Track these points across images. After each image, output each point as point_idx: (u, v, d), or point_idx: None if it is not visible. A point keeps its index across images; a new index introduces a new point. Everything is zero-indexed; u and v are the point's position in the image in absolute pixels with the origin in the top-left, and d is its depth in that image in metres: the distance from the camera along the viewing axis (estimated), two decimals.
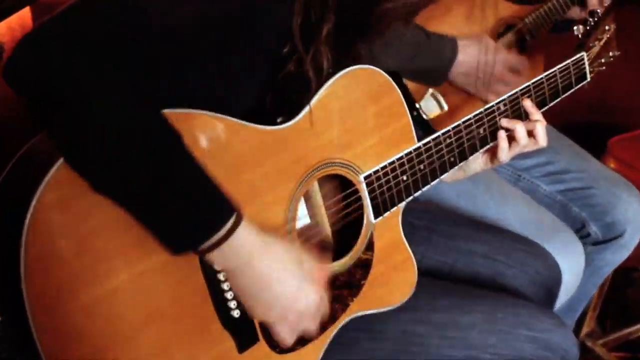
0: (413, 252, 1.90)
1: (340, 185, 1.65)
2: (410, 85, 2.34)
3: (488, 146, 1.82)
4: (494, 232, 2.12)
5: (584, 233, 2.62)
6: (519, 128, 1.81)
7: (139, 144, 1.27)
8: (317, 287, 1.45)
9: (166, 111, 1.37)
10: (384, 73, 1.63)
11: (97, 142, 1.26)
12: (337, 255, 1.66)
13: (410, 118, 1.69)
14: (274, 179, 1.46)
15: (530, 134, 1.85)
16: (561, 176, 2.60)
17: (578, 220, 2.61)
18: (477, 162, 1.87)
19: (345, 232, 1.69)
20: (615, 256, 2.67)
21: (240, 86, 1.50)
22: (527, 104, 1.85)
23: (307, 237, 1.64)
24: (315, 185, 1.62)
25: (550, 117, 2.05)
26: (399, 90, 1.66)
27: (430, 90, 2.33)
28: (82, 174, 1.30)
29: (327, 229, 1.64)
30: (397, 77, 2.32)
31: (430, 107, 2.31)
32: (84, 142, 1.27)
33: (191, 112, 1.40)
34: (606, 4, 2.49)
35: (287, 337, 1.46)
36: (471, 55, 2.26)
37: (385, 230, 1.68)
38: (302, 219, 1.64)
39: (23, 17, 2.41)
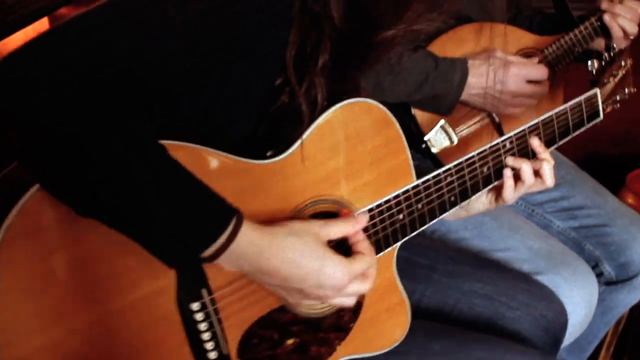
0: (412, 290, 1.82)
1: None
2: (420, 116, 2.27)
3: (492, 185, 1.74)
4: (498, 270, 2.04)
5: (597, 272, 2.55)
6: (525, 167, 1.74)
7: (125, 160, 1.22)
8: (341, 264, 1.40)
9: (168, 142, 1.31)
10: (382, 107, 1.55)
11: (84, 166, 1.21)
12: None
13: (409, 154, 1.62)
14: (259, 217, 1.39)
15: (537, 173, 1.77)
16: (576, 212, 2.52)
17: (591, 259, 2.53)
18: (481, 201, 1.79)
19: None
20: (629, 297, 2.59)
21: (233, 116, 1.45)
22: (535, 142, 1.77)
23: None
24: (322, 215, 1.55)
25: (571, 148, 1.97)
26: (397, 125, 1.59)
27: (441, 122, 2.26)
28: (67, 200, 1.24)
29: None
30: (405, 108, 2.25)
31: (439, 139, 2.24)
32: (72, 167, 1.21)
33: (174, 143, 1.34)
34: (632, 37, 2.41)
35: (344, 301, 1.45)
36: (482, 75, 2.18)
37: (379, 271, 1.60)
38: None
39: (40, 29, 2.37)
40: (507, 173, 1.76)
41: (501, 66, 2.18)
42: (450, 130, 2.22)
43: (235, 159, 1.40)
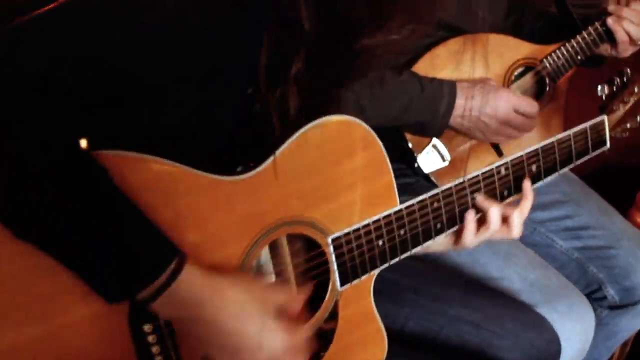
0: (396, 314, 1.75)
1: (308, 244, 1.50)
2: (411, 135, 2.19)
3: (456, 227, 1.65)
4: (487, 296, 1.96)
5: (600, 295, 2.46)
6: (493, 211, 1.62)
7: (65, 183, 1.15)
8: (284, 330, 1.30)
9: (110, 152, 1.24)
10: (364, 125, 1.47)
11: (22, 184, 1.15)
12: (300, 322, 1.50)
13: (392, 177, 1.54)
14: (223, 236, 1.32)
15: (505, 220, 1.66)
16: (580, 232, 2.43)
17: (594, 281, 2.44)
18: (438, 241, 1.68)
19: (312, 296, 1.54)
20: (633, 322, 2.49)
21: (203, 127, 1.37)
22: (527, 186, 1.66)
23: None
24: (283, 240, 1.47)
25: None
26: (381, 145, 1.50)
27: (433, 142, 2.17)
28: (4, 221, 1.17)
29: (294, 289, 1.50)
30: (395, 128, 2.17)
31: (431, 159, 2.15)
32: (8, 185, 1.14)
33: (137, 156, 1.28)
34: (636, 48, 2.30)
35: None
36: (471, 98, 2.08)
37: (354, 298, 1.53)
38: (267, 275, 1.50)
39: None
40: (470, 216, 1.65)
41: (492, 91, 2.08)
42: (443, 149, 2.13)
43: (202, 174, 1.32)
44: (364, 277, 1.58)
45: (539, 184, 1.77)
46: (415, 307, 1.91)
